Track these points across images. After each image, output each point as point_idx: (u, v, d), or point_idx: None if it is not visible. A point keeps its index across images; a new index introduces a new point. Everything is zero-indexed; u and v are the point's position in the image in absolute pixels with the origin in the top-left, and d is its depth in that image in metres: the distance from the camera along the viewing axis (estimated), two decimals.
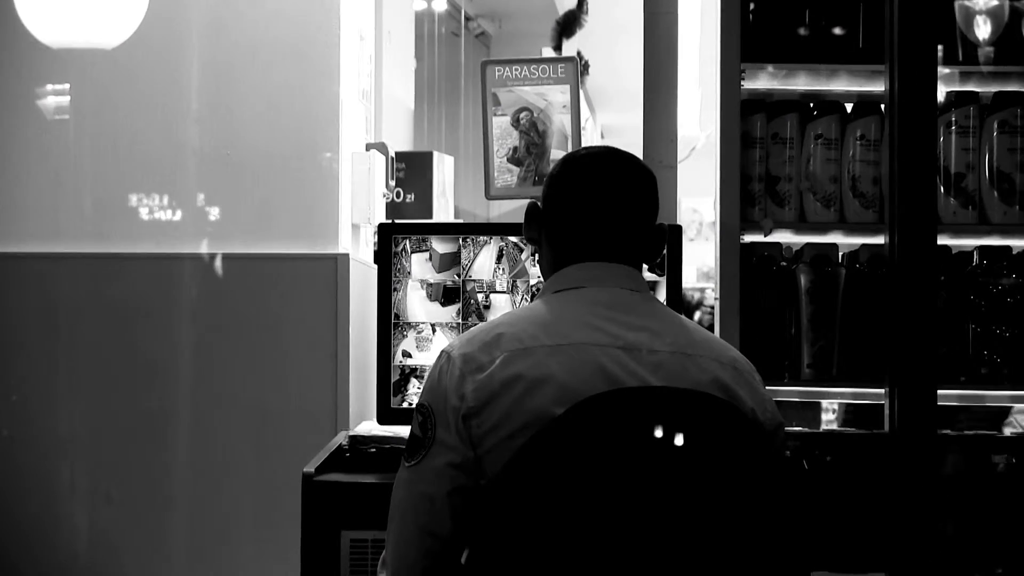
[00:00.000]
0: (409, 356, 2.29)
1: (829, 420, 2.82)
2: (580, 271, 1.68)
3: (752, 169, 2.49)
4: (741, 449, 1.48)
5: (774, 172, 2.51)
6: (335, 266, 2.85)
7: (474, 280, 2.29)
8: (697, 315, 8.05)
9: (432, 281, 2.29)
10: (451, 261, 2.29)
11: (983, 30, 2.49)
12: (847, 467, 2.38)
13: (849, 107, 2.53)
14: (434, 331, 2.29)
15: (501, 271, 2.28)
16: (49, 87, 2.97)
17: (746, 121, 2.49)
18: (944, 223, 2.45)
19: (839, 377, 2.46)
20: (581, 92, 2.40)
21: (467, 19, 5.87)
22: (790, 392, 2.50)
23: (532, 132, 2.35)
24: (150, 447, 2.87)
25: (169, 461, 2.88)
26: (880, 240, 2.46)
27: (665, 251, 2.25)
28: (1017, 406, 2.63)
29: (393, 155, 3.12)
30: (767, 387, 1.68)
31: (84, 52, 2.92)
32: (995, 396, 2.52)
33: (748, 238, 2.49)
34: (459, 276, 2.29)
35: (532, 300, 2.18)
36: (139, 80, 2.94)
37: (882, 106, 2.48)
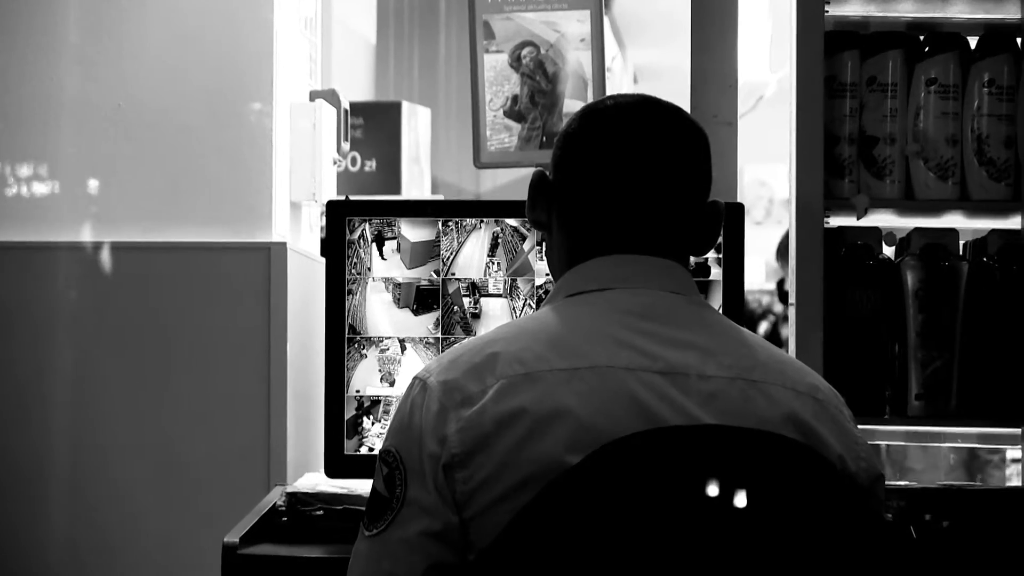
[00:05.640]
0: (370, 384, 2.29)
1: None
2: (604, 267, 1.68)
3: (840, 127, 2.50)
4: (825, 510, 1.48)
5: (870, 131, 2.51)
6: (267, 259, 2.85)
7: (458, 279, 2.29)
8: (763, 326, 8.04)
9: (401, 280, 2.29)
10: (427, 253, 2.29)
11: None
12: (970, 535, 2.38)
13: (973, 42, 2.53)
14: (403, 349, 2.29)
15: (495, 267, 2.28)
16: None
17: (832, 61, 2.49)
18: None
19: (960, 411, 2.46)
20: (605, 20, 2.40)
21: None
22: (893, 433, 2.50)
23: (538, 75, 2.35)
24: (16, 507, 2.87)
25: (42, 525, 2.88)
26: (1015, 224, 2.46)
27: (721, 239, 2.25)
28: None
29: (347, 107, 3.13)
30: (860, 426, 1.68)
31: None
32: None
33: (835, 221, 2.50)
34: (438, 274, 2.29)
35: (538, 307, 2.18)
36: None
37: (1018, 40, 2.48)
